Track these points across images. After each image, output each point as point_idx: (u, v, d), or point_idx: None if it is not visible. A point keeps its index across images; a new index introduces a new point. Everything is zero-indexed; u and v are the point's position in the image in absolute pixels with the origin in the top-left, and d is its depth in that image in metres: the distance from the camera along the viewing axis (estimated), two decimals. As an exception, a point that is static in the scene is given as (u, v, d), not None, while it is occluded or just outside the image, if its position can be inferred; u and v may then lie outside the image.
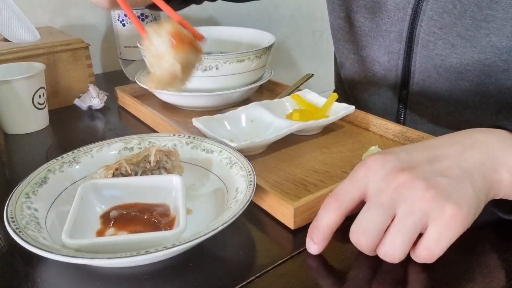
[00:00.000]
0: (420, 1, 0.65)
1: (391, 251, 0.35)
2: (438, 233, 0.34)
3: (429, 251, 0.35)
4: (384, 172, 0.37)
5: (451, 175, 0.36)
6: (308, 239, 0.39)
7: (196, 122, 0.57)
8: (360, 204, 0.38)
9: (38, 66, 0.67)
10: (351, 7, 0.75)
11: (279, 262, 0.39)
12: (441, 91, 0.68)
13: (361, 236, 0.36)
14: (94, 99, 0.74)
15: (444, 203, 0.34)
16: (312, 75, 0.77)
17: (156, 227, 0.40)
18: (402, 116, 0.75)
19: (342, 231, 0.38)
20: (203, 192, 0.48)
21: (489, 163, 0.37)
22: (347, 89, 0.86)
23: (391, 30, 0.70)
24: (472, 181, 0.36)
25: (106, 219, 0.42)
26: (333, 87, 0.97)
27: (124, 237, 0.39)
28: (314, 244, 0.39)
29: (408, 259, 0.36)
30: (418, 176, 0.35)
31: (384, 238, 0.35)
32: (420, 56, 0.68)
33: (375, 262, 0.38)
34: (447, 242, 0.34)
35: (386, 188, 0.36)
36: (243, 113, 0.61)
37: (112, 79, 0.96)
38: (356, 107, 0.64)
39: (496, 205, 0.40)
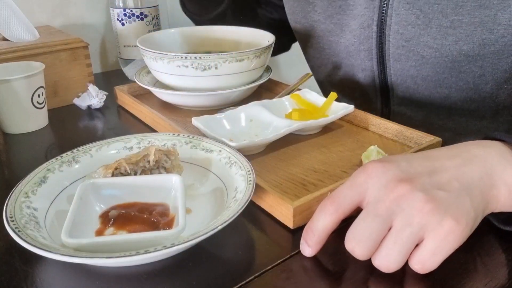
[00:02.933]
0: (384, 17, 0.65)
1: (386, 262, 0.35)
2: (434, 246, 0.34)
3: (423, 264, 0.35)
4: (384, 180, 0.36)
5: (450, 189, 0.36)
6: (302, 241, 0.39)
7: (196, 121, 0.57)
8: (357, 209, 0.38)
9: (37, 66, 0.67)
10: (321, 33, 0.75)
11: (279, 261, 0.39)
12: (422, 99, 0.68)
13: (356, 245, 0.36)
14: (93, 98, 0.74)
15: (443, 217, 0.34)
16: (312, 74, 0.77)
17: (155, 226, 0.40)
18: None
19: (341, 230, 0.38)
20: (202, 191, 0.48)
21: (487, 179, 0.37)
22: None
23: (360, 49, 0.70)
24: (471, 196, 0.36)
25: (105, 218, 0.42)
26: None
27: (123, 236, 0.39)
28: (308, 247, 0.39)
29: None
30: (417, 188, 0.35)
31: (380, 249, 0.35)
32: (394, 70, 0.68)
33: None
34: (443, 256, 0.34)
35: (384, 197, 0.36)
36: (242, 113, 0.61)
37: (111, 79, 0.96)
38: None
39: (493, 215, 0.40)
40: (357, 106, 0.64)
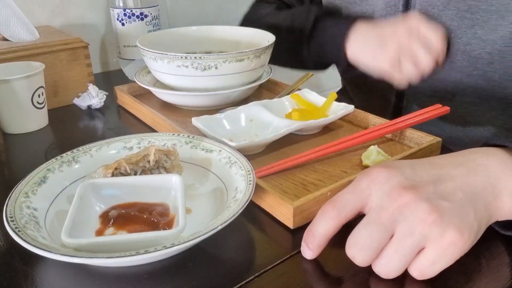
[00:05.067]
0: None
1: (386, 270, 0.35)
2: (434, 257, 0.34)
3: (421, 272, 0.35)
4: (388, 187, 0.36)
5: (454, 199, 0.36)
6: (303, 244, 0.39)
7: (196, 121, 0.57)
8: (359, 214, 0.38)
9: (37, 66, 0.67)
10: (355, 15, 0.76)
11: (279, 261, 0.39)
12: (436, 82, 0.70)
13: (357, 252, 0.35)
14: (93, 98, 0.74)
15: (445, 228, 0.34)
16: (312, 74, 0.77)
17: (155, 226, 0.40)
18: (402, 112, 0.75)
19: (342, 231, 0.38)
20: (202, 191, 0.48)
21: (491, 189, 0.37)
22: (348, 90, 0.87)
23: None
24: (475, 208, 0.36)
25: (105, 218, 0.42)
26: (332, 87, 0.98)
27: (123, 236, 0.39)
28: (309, 250, 0.38)
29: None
30: (421, 197, 0.35)
31: (381, 256, 0.35)
32: None
33: (374, 261, 0.38)
34: (442, 267, 0.34)
35: (388, 205, 0.35)
36: (242, 113, 0.61)
37: (111, 79, 0.96)
38: (356, 106, 0.64)
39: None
40: (374, 88, 0.65)
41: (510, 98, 0.67)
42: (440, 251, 0.34)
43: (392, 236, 0.35)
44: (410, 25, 0.64)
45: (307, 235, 0.39)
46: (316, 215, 0.38)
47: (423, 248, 0.34)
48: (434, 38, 0.63)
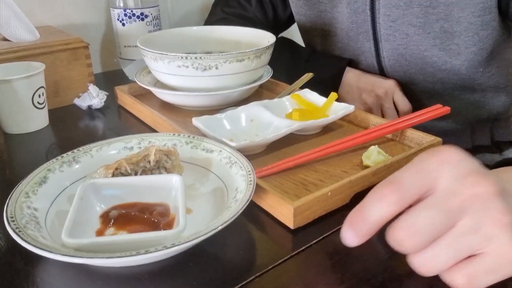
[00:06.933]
0: (373, 2, 0.73)
1: (429, 264, 0.30)
2: (493, 265, 0.29)
3: (471, 280, 0.29)
4: (464, 170, 0.30)
5: None
6: (347, 228, 0.32)
7: (196, 121, 0.57)
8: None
9: (38, 66, 0.67)
10: (328, 21, 0.83)
11: (279, 261, 0.39)
12: (414, 77, 0.75)
13: (409, 237, 0.29)
14: (93, 98, 0.74)
15: None
16: (312, 74, 0.77)
17: (155, 226, 0.40)
18: None
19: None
20: (202, 191, 0.48)
21: None
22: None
23: (359, 32, 0.78)
24: None
25: (105, 218, 0.42)
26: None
27: (123, 236, 0.39)
28: (354, 237, 0.31)
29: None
30: (499, 193, 0.29)
31: (428, 247, 0.30)
32: (386, 50, 0.76)
33: (377, 261, 0.38)
34: (494, 280, 0.29)
35: (460, 191, 0.30)
36: (242, 113, 0.61)
37: (112, 79, 0.96)
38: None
39: None
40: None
41: (484, 86, 0.71)
42: (504, 260, 0.29)
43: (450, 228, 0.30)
44: (386, 89, 0.76)
45: (355, 219, 0.31)
46: (369, 195, 0.31)
47: (479, 254, 0.29)
48: (403, 104, 0.74)
